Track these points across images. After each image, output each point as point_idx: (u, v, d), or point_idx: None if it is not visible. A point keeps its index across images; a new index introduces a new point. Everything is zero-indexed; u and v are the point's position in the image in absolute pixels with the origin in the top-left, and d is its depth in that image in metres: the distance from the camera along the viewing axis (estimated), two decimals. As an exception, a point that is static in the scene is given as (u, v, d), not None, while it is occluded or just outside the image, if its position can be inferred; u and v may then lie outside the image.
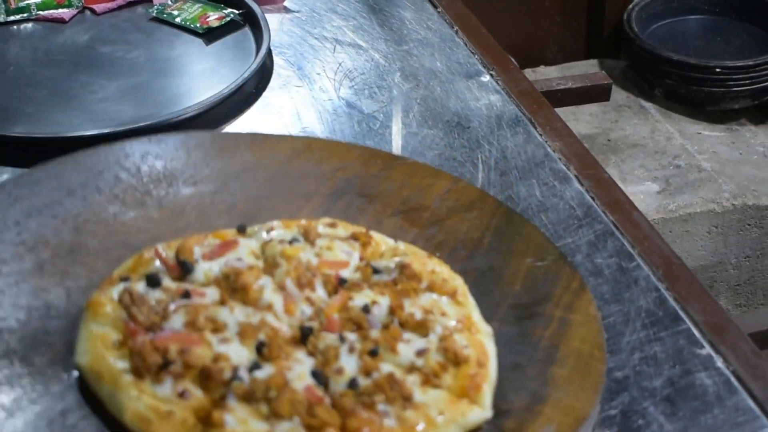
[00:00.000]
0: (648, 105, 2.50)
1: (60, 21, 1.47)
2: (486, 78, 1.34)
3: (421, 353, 0.82)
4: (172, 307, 0.83)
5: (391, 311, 0.85)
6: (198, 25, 1.43)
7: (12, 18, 1.46)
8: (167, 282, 0.86)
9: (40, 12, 1.47)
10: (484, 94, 1.31)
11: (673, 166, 2.27)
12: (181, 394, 0.75)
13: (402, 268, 0.90)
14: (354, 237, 0.94)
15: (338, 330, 0.83)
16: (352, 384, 0.78)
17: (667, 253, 1.05)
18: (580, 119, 2.14)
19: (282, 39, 1.43)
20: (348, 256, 0.92)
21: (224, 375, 0.77)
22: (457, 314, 0.87)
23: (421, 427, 0.76)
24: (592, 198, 1.12)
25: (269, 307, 0.84)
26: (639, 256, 1.03)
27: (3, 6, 1.47)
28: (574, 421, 0.76)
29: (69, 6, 1.48)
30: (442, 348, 0.82)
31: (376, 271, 0.91)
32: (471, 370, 0.81)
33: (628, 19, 2.44)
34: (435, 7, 1.51)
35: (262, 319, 0.83)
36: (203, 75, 1.35)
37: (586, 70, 1.89)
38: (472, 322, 0.87)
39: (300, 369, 0.79)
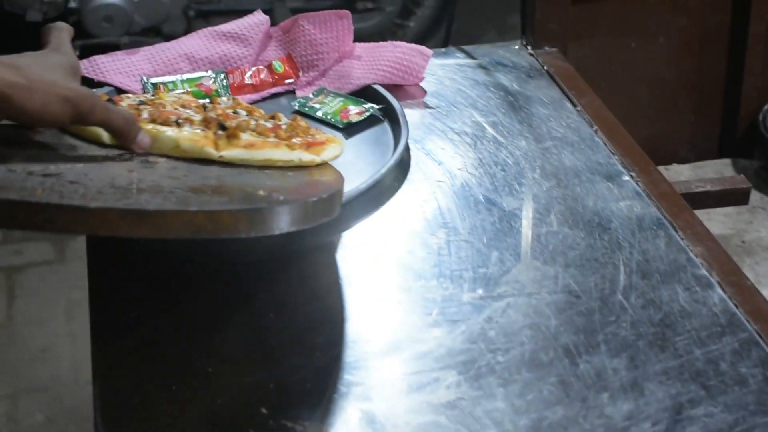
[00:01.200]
0: (782, 206, 2.48)
1: (206, 109, 1.54)
2: (626, 178, 1.37)
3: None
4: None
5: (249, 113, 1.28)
6: (338, 119, 1.48)
7: (162, 105, 1.54)
8: None
9: (189, 100, 1.54)
10: (625, 196, 1.33)
11: (809, 270, 2.24)
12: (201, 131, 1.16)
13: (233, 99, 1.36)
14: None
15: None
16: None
17: (813, 364, 1.05)
18: (713, 219, 2.14)
19: (423, 133, 1.48)
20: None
21: (219, 119, 1.19)
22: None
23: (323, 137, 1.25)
24: (735, 305, 1.13)
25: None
26: (785, 366, 1.04)
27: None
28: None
29: (217, 96, 1.55)
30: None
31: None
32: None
33: (763, 119, 2.43)
34: (574, 105, 1.55)
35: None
36: (342, 168, 1.39)
37: (719, 169, 1.90)
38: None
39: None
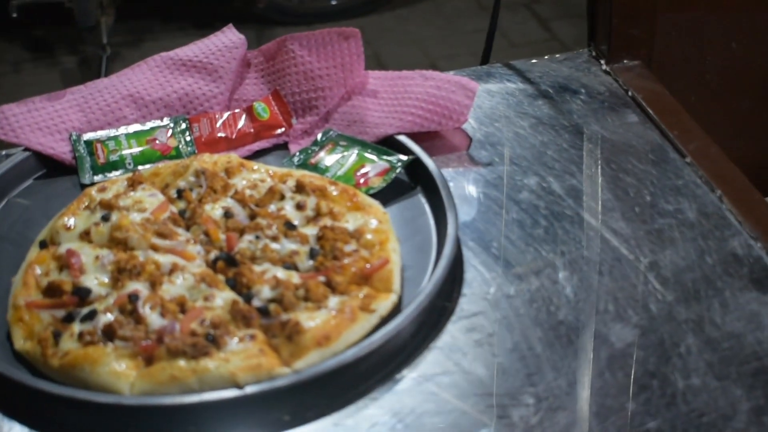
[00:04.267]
0: None
1: (164, 174, 1.15)
2: (781, 281, 0.99)
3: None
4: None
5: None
6: (352, 184, 1.10)
7: (101, 177, 1.14)
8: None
9: (139, 167, 1.15)
10: (786, 313, 0.96)
11: None
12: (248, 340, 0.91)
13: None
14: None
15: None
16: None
17: None
18: None
19: (474, 211, 1.09)
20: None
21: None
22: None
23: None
24: None
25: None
26: None
27: (88, 161, 1.15)
28: None
29: (176, 157, 1.16)
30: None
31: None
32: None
33: None
34: (682, 155, 1.15)
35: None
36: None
37: None
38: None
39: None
